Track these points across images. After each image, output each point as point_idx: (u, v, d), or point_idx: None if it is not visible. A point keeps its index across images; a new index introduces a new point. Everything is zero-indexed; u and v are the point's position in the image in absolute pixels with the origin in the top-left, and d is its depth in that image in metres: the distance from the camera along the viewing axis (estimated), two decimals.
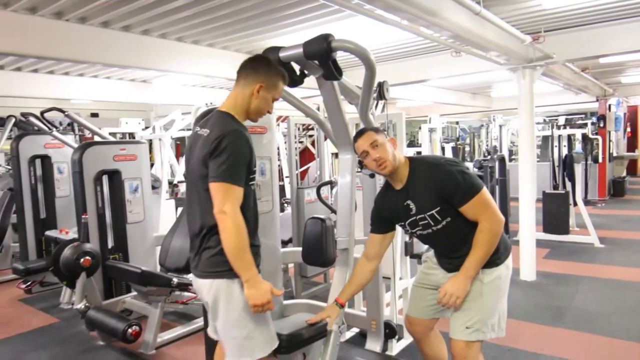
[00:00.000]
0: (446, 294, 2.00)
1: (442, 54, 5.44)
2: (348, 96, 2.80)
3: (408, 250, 3.40)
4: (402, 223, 2.15)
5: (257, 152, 2.99)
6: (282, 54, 2.17)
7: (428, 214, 2.02)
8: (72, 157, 3.87)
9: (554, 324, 3.60)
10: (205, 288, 1.81)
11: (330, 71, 2.16)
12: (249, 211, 1.82)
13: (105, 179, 3.93)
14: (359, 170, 2.98)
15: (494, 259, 2.03)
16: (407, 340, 3.34)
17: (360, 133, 2.15)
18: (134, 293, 3.69)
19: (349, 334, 3.36)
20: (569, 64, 6.03)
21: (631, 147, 13.17)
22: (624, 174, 11.21)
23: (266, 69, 1.89)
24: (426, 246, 3.85)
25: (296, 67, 2.25)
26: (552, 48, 4.59)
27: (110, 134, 5.60)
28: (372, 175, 2.33)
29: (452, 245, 2.10)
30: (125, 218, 3.98)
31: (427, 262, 2.34)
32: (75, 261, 3.28)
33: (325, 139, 5.19)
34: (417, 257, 3.77)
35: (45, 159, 5.08)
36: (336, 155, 7.02)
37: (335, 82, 2.42)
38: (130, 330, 3.04)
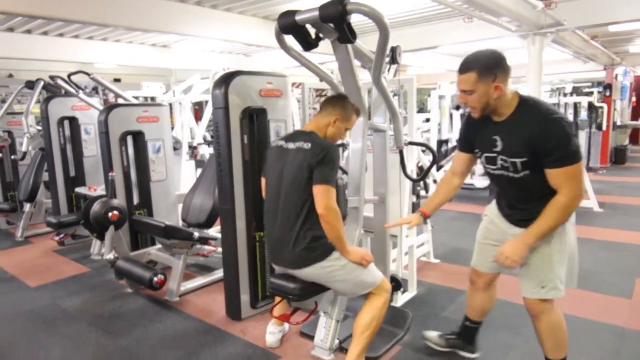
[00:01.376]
0: (502, 254, 1.90)
1: (454, 21, 5.25)
2: (362, 60, 2.74)
3: (415, 210, 3.39)
4: (480, 153, 2.02)
5: (274, 115, 3.06)
6: (298, 17, 2.12)
7: (511, 159, 1.86)
8: (98, 118, 3.87)
9: None
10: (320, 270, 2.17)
11: (345, 34, 2.10)
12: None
13: (129, 139, 3.94)
14: (370, 134, 2.95)
15: None
16: (411, 293, 3.41)
17: (461, 69, 1.85)
18: (159, 246, 3.77)
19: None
20: (579, 31, 5.78)
21: (635, 116, 12.78)
22: (627, 142, 10.95)
23: (342, 106, 2.30)
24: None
25: (311, 31, 2.20)
26: (563, 15, 4.41)
27: (133, 97, 5.59)
28: (466, 117, 2.15)
29: (519, 196, 1.99)
30: (149, 176, 4.01)
31: (487, 217, 2.25)
32: (104, 215, 3.35)
33: None
34: (425, 219, 3.79)
35: (73, 121, 5.09)
36: None
37: (350, 46, 2.38)
38: (156, 279, 3.12)
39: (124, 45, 6.35)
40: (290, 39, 2.35)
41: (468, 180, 6.84)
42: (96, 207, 3.39)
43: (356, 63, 2.53)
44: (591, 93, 8.45)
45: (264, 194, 2.42)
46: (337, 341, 2.53)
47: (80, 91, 4.95)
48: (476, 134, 2.03)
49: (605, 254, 4.28)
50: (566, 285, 1.98)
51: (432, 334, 2.61)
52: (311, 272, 2.17)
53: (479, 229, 2.31)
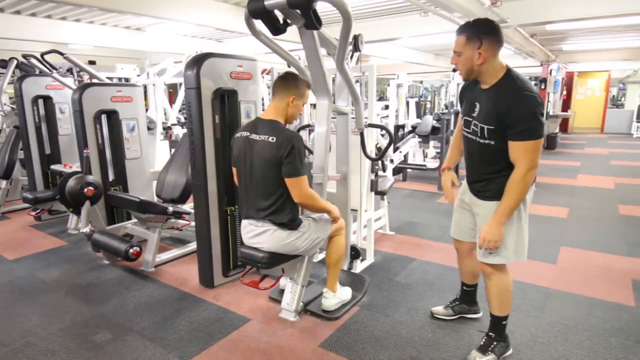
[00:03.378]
0: (484, 240, 1.91)
1: (411, 14, 5.24)
2: (327, 47, 2.70)
3: (373, 187, 3.43)
4: (462, 115, 2.00)
5: (244, 97, 2.98)
6: (267, 3, 2.05)
7: (481, 124, 1.85)
8: (72, 96, 3.65)
9: None
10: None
11: (311, 20, 2.07)
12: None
13: (104, 119, 3.75)
14: (333, 117, 2.94)
15: None
16: (369, 261, 3.47)
17: (457, 31, 1.84)
18: (135, 220, 3.65)
19: (321, 256, 3.45)
20: (520, 29, 5.93)
21: (565, 108, 13.39)
22: (557, 130, 11.46)
23: (295, 84, 2.21)
24: (390, 183, 3.97)
25: (280, 17, 2.14)
26: (507, 13, 4.49)
27: (107, 78, 5.30)
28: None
29: (479, 164, 1.97)
30: (124, 154, 3.85)
31: (462, 185, 2.24)
32: (79, 190, 3.20)
33: None
34: (381, 193, 3.85)
35: (47, 100, 4.78)
36: (314, 105, 6.89)
37: (315, 32, 2.33)
38: (132, 250, 3.03)
39: (98, 27, 5.97)
40: (260, 24, 2.27)
41: (420, 161, 6.98)
42: (71, 182, 3.23)
43: (322, 52, 2.49)
44: None
45: (236, 181, 2.38)
46: (302, 304, 2.56)
47: (54, 71, 4.64)
48: (465, 97, 2.02)
49: (534, 226, 4.36)
50: (518, 258, 1.96)
51: (438, 309, 2.56)
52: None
53: (455, 199, 2.27)
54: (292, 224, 2.23)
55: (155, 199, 3.73)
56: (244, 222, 2.33)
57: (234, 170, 2.37)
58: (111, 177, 3.82)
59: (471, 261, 2.31)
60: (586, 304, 2.76)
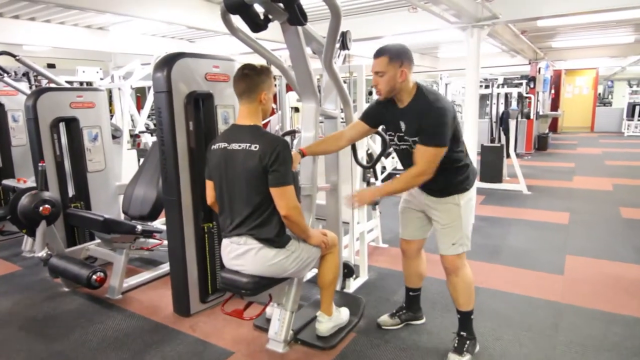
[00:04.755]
0: (354, 197, 2.21)
1: (398, 11, 5.20)
2: (312, 44, 2.59)
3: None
4: (392, 134, 2.23)
5: (221, 101, 2.82)
6: None
7: (412, 138, 2.11)
8: (25, 103, 3.42)
9: (491, 260, 3.70)
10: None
11: (296, 15, 1.95)
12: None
13: (62, 127, 3.54)
14: (321, 121, 2.82)
15: (465, 185, 2.21)
16: (363, 278, 3.35)
17: (376, 54, 2.09)
18: (98, 241, 3.43)
19: (310, 274, 3.30)
20: (511, 25, 5.95)
21: (554, 107, 13.67)
22: (547, 130, 11.66)
23: (260, 79, 2.06)
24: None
25: (260, 12, 2.02)
26: (498, 9, 4.48)
27: (67, 82, 5.07)
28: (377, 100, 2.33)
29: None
30: (86, 166, 3.64)
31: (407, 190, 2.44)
32: (33, 209, 2.96)
33: (288, 91, 4.92)
34: (374, 203, 3.74)
35: None
36: (296, 109, 6.76)
37: (300, 29, 2.22)
38: (95, 277, 2.82)
39: (56, 26, 5.69)
40: (237, 21, 2.15)
41: None
42: (25, 200, 2.99)
43: (307, 51, 2.37)
44: (521, 84, 8.84)
45: (209, 197, 2.23)
46: (291, 332, 2.39)
47: (5, 74, 4.37)
48: (384, 117, 2.24)
49: (535, 232, 4.46)
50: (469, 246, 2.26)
51: (384, 318, 2.66)
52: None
53: (400, 202, 2.49)
54: (278, 241, 2.08)
55: (122, 217, 3.54)
56: (225, 242, 2.17)
57: (209, 184, 2.21)
58: (71, 192, 3.61)
59: (419, 261, 2.54)
60: (602, 319, 2.68)
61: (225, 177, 2.08)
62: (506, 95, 7.45)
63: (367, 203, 2.23)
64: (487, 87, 7.84)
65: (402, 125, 2.14)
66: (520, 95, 7.55)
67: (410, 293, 2.63)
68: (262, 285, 2.13)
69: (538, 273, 3.40)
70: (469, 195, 2.23)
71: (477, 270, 3.46)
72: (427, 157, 2.02)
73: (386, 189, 2.19)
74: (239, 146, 2.02)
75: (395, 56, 2.04)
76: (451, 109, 2.04)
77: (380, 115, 2.27)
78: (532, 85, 9.91)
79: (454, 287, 2.28)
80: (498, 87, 7.83)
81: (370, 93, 6.92)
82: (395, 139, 2.22)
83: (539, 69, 10.28)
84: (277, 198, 1.98)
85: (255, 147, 1.97)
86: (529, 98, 8.72)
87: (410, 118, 2.09)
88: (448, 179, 2.17)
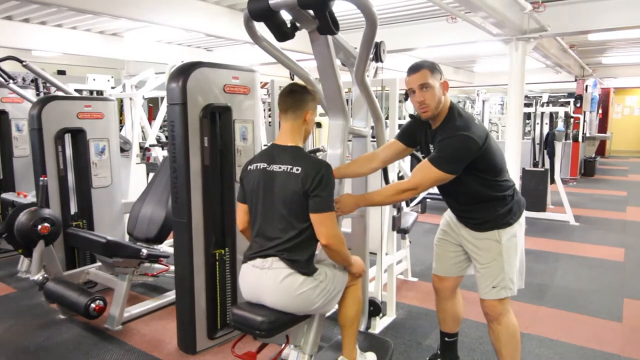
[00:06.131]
0: (338, 202, 2.13)
1: (435, 22, 5.16)
2: (343, 55, 2.54)
3: (395, 224, 3.20)
4: (423, 157, 2.18)
5: (239, 115, 2.78)
6: (272, 1, 1.88)
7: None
8: (30, 112, 3.46)
9: (536, 302, 3.52)
10: None
11: (327, 23, 1.89)
12: None
13: (68, 138, 3.57)
14: (349, 139, 2.76)
15: (508, 219, 2.11)
16: (390, 317, 3.23)
17: (414, 68, 2.08)
18: (99, 263, 3.41)
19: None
20: (559, 38, 5.84)
21: (601, 129, 13.36)
22: (594, 154, 11.36)
23: (307, 98, 2.10)
24: (413, 218, 3.82)
25: (287, 19, 1.99)
26: (546, 20, 4.38)
27: (75, 90, 5.16)
28: (411, 116, 2.31)
29: (454, 196, 2.22)
30: (90, 182, 3.64)
31: (444, 219, 2.41)
32: (31, 228, 2.95)
33: None
34: (404, 231, 3.63)
35: (2, 115, 4.61)
36: (318, 124, 6.72)
37: (330, 38, 2.16)
38: (93, 305, 2.78)
39: (67, 31, 5.85)
40: (261, 28, 2.13)
41: None
42: (23, 217, 2.98)
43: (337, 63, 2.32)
44: (567, 103, 8.64)
45: (241, 222, 2.20)
46: None
47: (11, 80, 4.46)
48: (420, 138, 2.22)
49: (587, 271, 4.26)
50: (518, 286, 2.18)
51: None
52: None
53: (436, 233, 2.43)
54: (307, 266, 2.02)
55: (127, 238, 3.51)
56: (245, 268, 2.10)
57: (242, 207, 2.18)
58: (73, 209, 3.62)
59: (454, 302, 2.43)
60: None
61: (262, 200, 2.05)
62: (551, 114, 7.27)
63: (350, 211, 2.18)
64: (528, 105, 7.68)
65: (430, 148, 2.12)
66: (567, 115, 7.36)
67: (446, 339, 2.51)
68: (280, 325, 2.02)
69: (592, 319, 3.22)
70: (512, 231, 2.13)
71: (520, 312, 3.30)
72: (426, 175, 1.99)
73: (370, 198, 2.17)
74: (280, 168, 2.01)
75: (434, 69, 2.05)
76: (479, 140, 1.97)
77: (417, 134, 2.24)
78: (578, 105, 9.70)
79: (496, 336, 2.19)
80: (542, 105, 7.66)
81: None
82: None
83: (586, 86, 10.07)
84: (317, 225, 1.96)
85: (298, 170, 1.96)
86: (577, 118, 8.50)
87: (439, 141, 2.06)
88: (487, 211, 2.11)
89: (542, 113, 7.10)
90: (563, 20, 4.56)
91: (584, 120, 10.13)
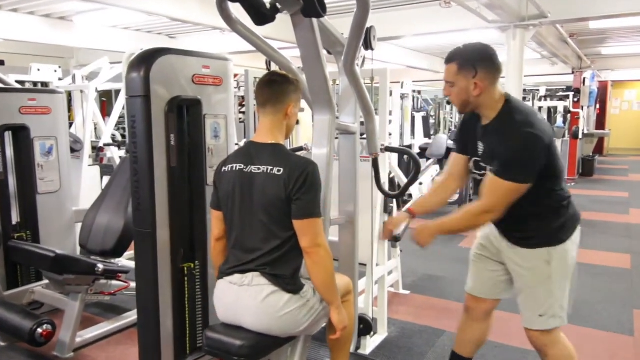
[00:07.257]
0: (413, 236, 2.12)
1: (424, 7, 5.20)
2: (329, 42, 2.53)
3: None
4: (470, 157, 2.15)
5: (210, 109, 2.73)
6: None
7: (488, 166, 2.01)
8: None
9: None
10: None
11: (313, 4, 1.88)
12: None
13: (8, 136, 3.49)
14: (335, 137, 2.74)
15: (561, 235, 2.02)
16: (381, 335, 3.23)
17: (446, 59, 2.03)
18: (47, 281, 3.33)
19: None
20: (559, 26, 5.98)
21: (599, 125, 13.74)
22: (592, 152, 11.67)
23: (290, 89, 2.06)
24: (404, 225, 3.81)
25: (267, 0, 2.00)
26: (548, 6, 4.48)
27: (17, 82, 5.02)
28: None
29: None
30: (35, 187, 3.55)
31: (483, 230, 2.32)
32: None
33: None
34: (395, 239, 3.62)
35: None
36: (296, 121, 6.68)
37: (316, 22, 2.14)
38: (40, 330, 2.68)
39: (6, 14, 5.68)
40: (236, 10, 2.15)
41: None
42: None
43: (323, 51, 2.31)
44: (566, 97, 8.83)
45: (216, 232, 2.15)
46: None
47: None
48: (468, 135, 2.16)
49: (590, 279, 4.34)
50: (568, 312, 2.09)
51: None
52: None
53: (472, 246, 2.37)
54: (293, 282, 1.98)
55: (79, 251, 3.43)
56: (222, 283, 2.05)
57: (216, 214, 2.12)
58: (15, 219, 3.52)
59: (485, 326, 2.36)
60: None
61: (239, 206, 2.00)
62: (549, 109, 7.43)
63: (426, 244, 2.10)
64: (524, 99, 7.83)
65: (480, 147, 2.04)
66: (567, 111, 7.53)
67: None
68: (262, 349, 2.00)
69: (600, 333, 3.28)
70: (564, 248, 2.02)
71: (521, 326, 3.32)
72: (498, 192, 1.90)
73: (446, 226, 2.09)
74: (259, 169, 1.97)
75: (466, 63, 1.94)
76: (546, 136, 1.90)
77: (466, 134, 2.19)
78: (575, 99, 9.95)
79: None
80: (540, 99, 7.82)
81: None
82: (471, 164, 2.13)
83: (584, 79, 10.33)
84: (302, 232, 1.92)
85: (279, 171, 1.92)
86: (576, 114, 8.70)
87: (490, 139, 1.98)
88: (536, 225, 2.03)
89: (540, 108, 7.25)
90: (564, 5, 4.66)
91: (582, 116, 10.41)
